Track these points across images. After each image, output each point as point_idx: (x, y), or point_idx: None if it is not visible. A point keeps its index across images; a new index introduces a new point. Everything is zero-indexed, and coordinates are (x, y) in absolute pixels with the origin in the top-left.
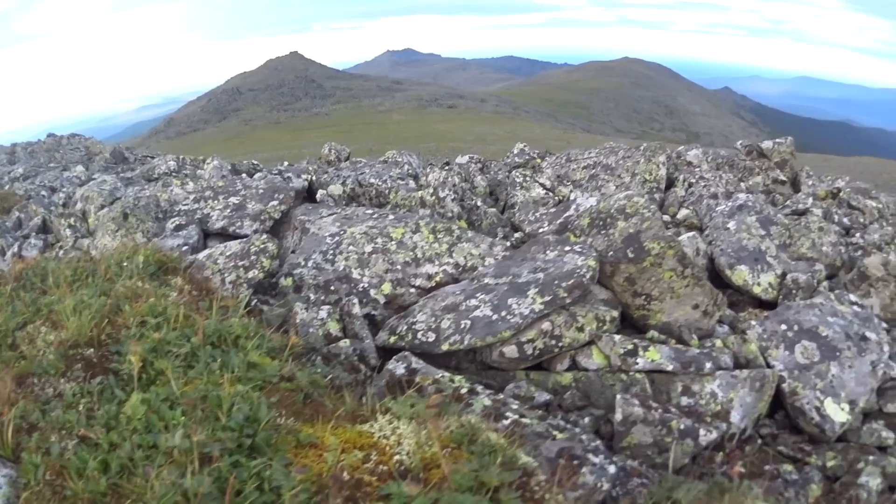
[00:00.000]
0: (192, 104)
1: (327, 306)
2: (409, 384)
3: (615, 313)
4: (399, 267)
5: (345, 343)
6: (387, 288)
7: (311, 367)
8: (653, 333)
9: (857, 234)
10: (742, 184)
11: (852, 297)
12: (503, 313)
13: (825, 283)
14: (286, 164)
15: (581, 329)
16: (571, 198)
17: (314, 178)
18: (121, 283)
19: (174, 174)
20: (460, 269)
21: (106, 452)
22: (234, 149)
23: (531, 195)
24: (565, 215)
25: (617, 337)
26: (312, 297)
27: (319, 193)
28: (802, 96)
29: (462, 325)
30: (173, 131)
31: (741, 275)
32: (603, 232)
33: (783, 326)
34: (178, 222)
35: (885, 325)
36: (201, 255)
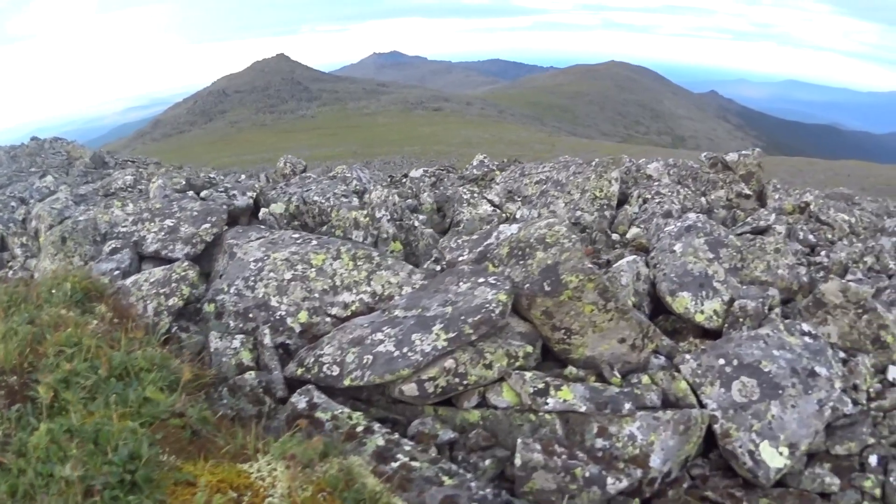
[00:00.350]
0: (179, 106)
1: (241, 335)
2: (309, 419)
3: (530, 348)
4: (317, 295)
5: (250, 375)
6: (303, 316)
7: (206, 402)
8: (570, 370)
9: (823, 253)
10: (703, 198)
11: (804, 327)
12: (405, 349)
13: (778, 310)
14: (243, 177)
15: (489, 366)
16: (503, 227)
17: (262, 194)
18: (46, 311)
19: (128, 189)
20: (377, 298)
21: (15, 477)
22: (219, 151)
23: (478, 212)
24: (486, 243)
25: (528, 375)
26: (232, 324)
27: (262, 212)
28: (789, 100)
29: (364, 360)
30: (159, 133)
31: (682, 302)
32: (521, 262)
33: (721, 361)
34: (114, 245)
35: (842, 354)
36: (128, 281)
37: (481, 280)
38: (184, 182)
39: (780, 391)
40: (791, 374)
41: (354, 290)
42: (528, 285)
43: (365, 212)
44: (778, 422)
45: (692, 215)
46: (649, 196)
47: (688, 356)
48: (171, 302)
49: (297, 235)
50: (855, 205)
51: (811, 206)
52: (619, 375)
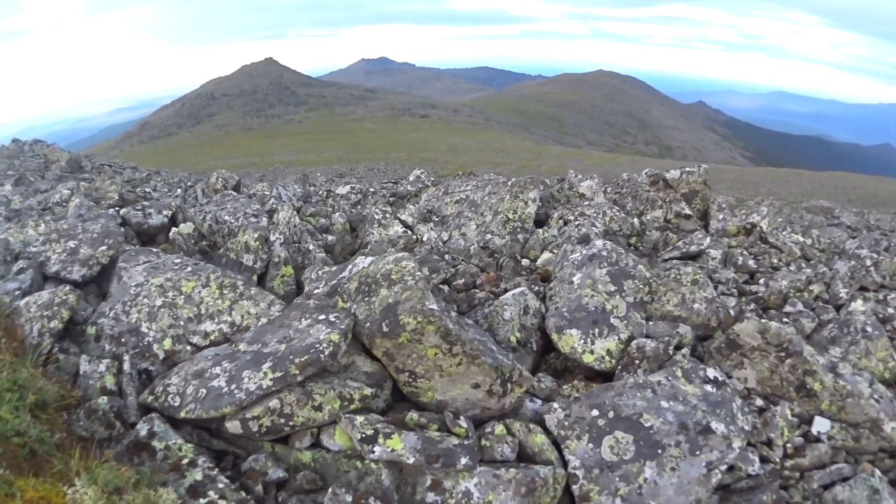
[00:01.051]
0: (167, 108)
1: (108, 360)
2: (146, 447)
3: (369, 391)
4: (182, 323)
5: (103, 399)
6: (167, 344)
7: (65, 423)
8: (411, 416)
9: (762, 281)
10: (636, 219)
11: (710, 373)
12: (233, 386)
13: (686, 350)
14: (178, 191)
15: (318, 408)
16: (358, 260)
17: (182, 212)
18: None
19: (63, 204)
20: (235, 328)
21: None
22: (206, 154)
23: (388, 234)
24: (339, 276)
25: (358, 419)
26: (107, 347)
27: (172, 232)
28: (777, 111)
29: (199, 394)
30: (147, 135)
31: (569, 340)
32: (367, 299)
33: (594, 412)
34: (21, 266)
35: (760, 402)
36: (22, 302)
37: (322, 317)
38: (116, 197)
39: (660, 450)
40: (678, 431)
41: (216, 320)
42: (368, 324)
43: (256, 235)
44: (650, 486)
45: (598, 242)
46: (572, 217)
47: (555, 405)
48: (52, 324)
49: (178, 261)
50: (834, 218)
51: (761, 227)
52: (464, 425)
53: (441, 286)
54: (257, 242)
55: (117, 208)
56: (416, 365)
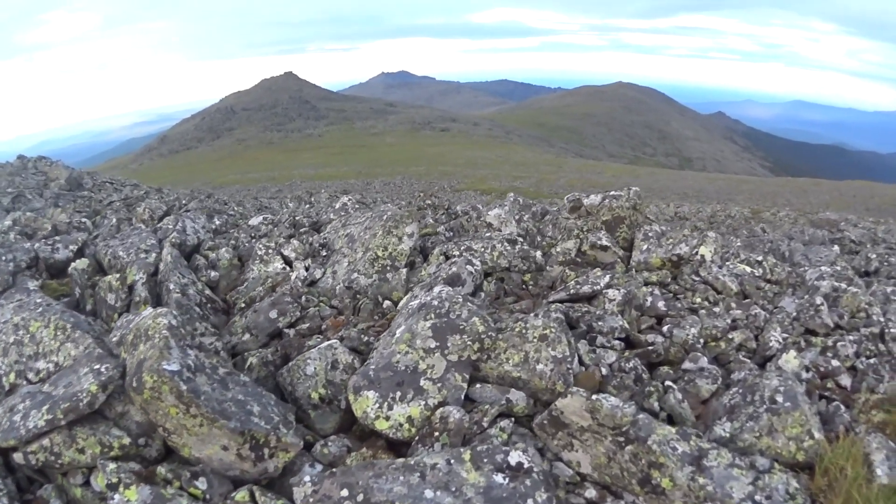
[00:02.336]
0: (186, 122)
1: None
2: None
3: (127, 440)
4: (24, 359)
5: None
6: (12, 377)
7: None
8: (160, 470)
9: (667, 328)
10: (538, 253)
11: (514, 457)
12: (23, 422)
13: (506, 423)
14: (115, 220)
15: (82, 451)
16: (147, 310)
17: (91, 245)
18: None
19: (4, 234)
20: (58, 367)
21: None
22: (225, 168)
23: (268, 270)
24: (129, 326)
25: (111, 466)
26: None
27: (70, 267)
28: (795, 120)
29: (4, 424)
30: (166, 149)
31: (364, 403)
32: (133, 352)
33: (344, 492)
34: None
35: (593, 492)
36: None
37: (96, 367)
38: (49, 228)
39: None
40: None
41: (47, 358)
42: (128, 378)
43: (118, 276)
44: None
45: (436, 289)
46: (456, 253)
47: (307, 478)
48: None
49: (40, 300)
50: (839, 231)
51: (702, 257)
52: (201, 486)
53: (287, 330)
54: (118, 282)
55: (35, 242)
56: (165, 421)
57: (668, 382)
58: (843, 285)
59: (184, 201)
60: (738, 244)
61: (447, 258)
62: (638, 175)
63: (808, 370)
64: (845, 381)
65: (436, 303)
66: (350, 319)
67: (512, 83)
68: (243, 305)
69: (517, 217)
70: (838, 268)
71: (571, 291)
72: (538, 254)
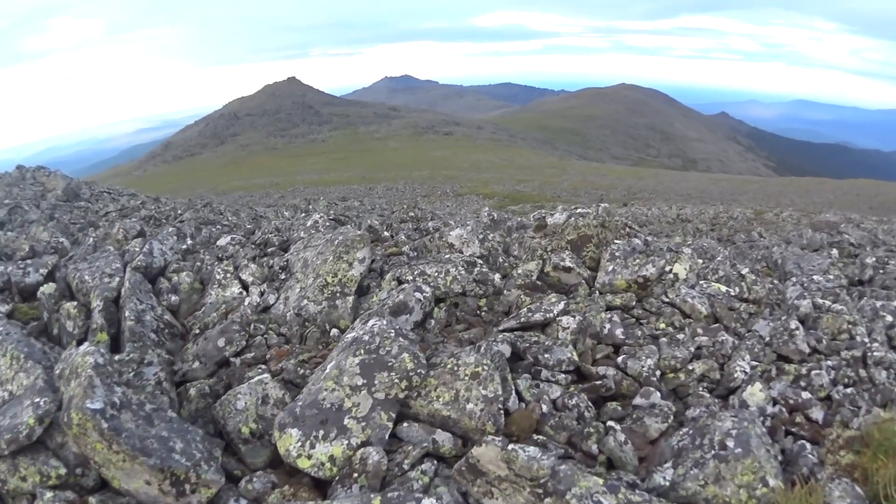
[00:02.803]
0: (190, 128)
1: None
2: None
3: (64, 470)
4: None
5: None
6: None
7: None
8: (90, 499)
9: (622, 359)
10: (497, 276)
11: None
12: None
13: (427, 466)
14: (92, 240)
15: (24, 479)
16: (84, 345)
17: (62, 268)
18: None
19: None
20: (12, 396)
21: None
22: (230, 174)
23: (225, 295)
24: (69, 359)
25: (48, 495)
26: None
27: (39, 291)
28: (798, 119)
29: None
30: (170, 155)
31: (287, 441)
32: (68, 387)
33: None
34: None
35: None
36: None
37: (36, 399)
38: (27, 249)
39: None
40: None
41: (3, 387)
42: (61, 412)
43: (75, 303)
44: None
45: (377, 323)
46: (410, 277)
47: None
48: None
49: (1, 328)
50: (839, 234)
51: (675, 275)
52: None
53: (233, 359)
54: (76, 310)
55: (9, 265)
56: (94, 455)
57: (610, 423)
58: (828, 302)
59: (179, 211)
60: (727, 253)
61: (400, 283)
62: (641, 177)
63: (775, 403)
64: (817, 414)
65: (366, 338)
66: (296, 349)
67: (515, 86)
68: (197, 332)
69: (481, 236)
70: (831, 276)
71: (522, 319)
72: (496, 277)
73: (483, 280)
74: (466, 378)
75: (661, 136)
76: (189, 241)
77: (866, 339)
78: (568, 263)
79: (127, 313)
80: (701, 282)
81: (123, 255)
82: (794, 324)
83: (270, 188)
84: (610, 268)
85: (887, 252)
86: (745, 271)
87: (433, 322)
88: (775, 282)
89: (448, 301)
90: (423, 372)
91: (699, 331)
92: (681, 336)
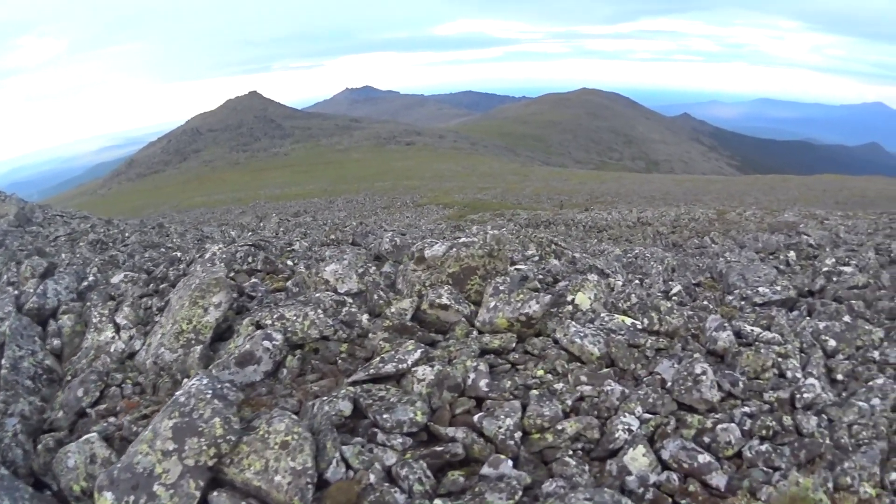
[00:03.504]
0: (153, 145)
1: None
2: None
3: None
4: None
5: None
6: None
7: None
8: None
9: (479, 417)
10: (365, 316)
11: None
12: None
13: None
14: (6, 277)
15: None
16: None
17: None
18: None
19: None
20: None
21: None
22: (193, 191)
23: (100, 339)
24: None
25: None
26: None
27: None
28: (762, 118)
29: None
30: (134, 173)
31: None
32: None
33: None
34: None
35: None
36: None
37: None
38: None
39: None
40: None
41: None
42: None
43: None
44: None
45: (195, 383)
46: (269, 322)
47: None
48: None
49: None
50: (798, 234)
51: (575, 305)
52: None
53: (90, 410)
54: None
55: None
56: None
57: (437, 502)
58: (758, 329)
59: (127, 234)
60: (660, 269)
61: (259, 328)
62: (604, 180)
63: (665, 468)
64: (718, 479)
65: (183, 399)
66: (144, 401)
67: (476, 94)
68: (69, 378)
69: (361, 270)
70: (778, 287)
71: (372, 371)
72: (365, 317)
73: (351, 322)
74: (276, 447)
75: (624, 140)
76: (91, 279)
77: (798, 375)
78: (444, 300)
79: (3, 360)
80: (603, 315)
81: (20, 297)
82: (699, 367)
83: (232, 204)
84: (492, 304)
85: (847, 252)
86: (660, 302)
87: (285, 372)
88: (715, 298)
89: (307, 347)
90: (234, 439)
91: (583, 378)
92: (559, 385)
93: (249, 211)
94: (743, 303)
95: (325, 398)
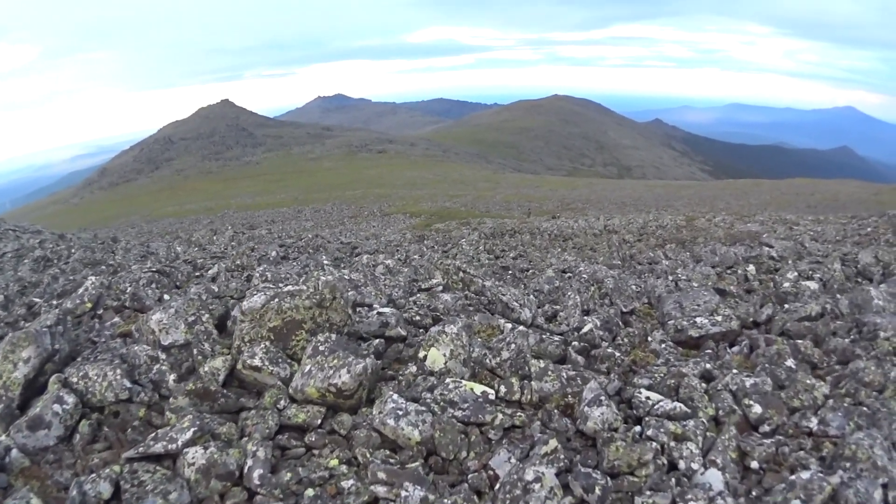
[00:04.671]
0: (126, 154)
1: None
2: None
3: None
4: None
5: None
6: None
7: None
8: None
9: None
10: (171, 376)
11: None
12: None
13: None
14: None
15: None
16: None
17: None
18: None
19: None
20: None
21: None
22: (165, 200)
23: None
24: None
25: None
26: None
27: None
28: (734, 122)
29: None
30: (106, 182)
31: None
32: None
33: None
34: None
35: None
36: None
37: None
38: None
39: None
40: None
41: None
42: None
43: None
44: None
45: None
46: (75, 380)
47: None
48: None
49: None
50: (761, 246)
51: (430, 366)
52: None
53: None
54: None
55: None
56: None
57: None
58: (654, 398)
59: (73, 250)
60: (577, 300)
61: (65, 386)
62: (575, 187)
63: None
64: None
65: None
66: None
67: (448, 101)
68: None
69: (192, 318)
70: (718, 318)
71: (141, 449)
72: (172, 378)
73: (159, 382)
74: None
75: (596, 146)
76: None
77: (695, 465)
78: (257, 361)
79: None
80: (448, 381)
81: None
82: (532, 473)
83: (202, 213)
84: (307, 367)
85: (812, 265)
86: (532, 360)
87: (78, 437)
88: (639, 334)
89: (107, 410)
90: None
91: (381, 475)
92: (349, 483)
93: (218, 221)
94: (663, 345)
95: (89, 477)
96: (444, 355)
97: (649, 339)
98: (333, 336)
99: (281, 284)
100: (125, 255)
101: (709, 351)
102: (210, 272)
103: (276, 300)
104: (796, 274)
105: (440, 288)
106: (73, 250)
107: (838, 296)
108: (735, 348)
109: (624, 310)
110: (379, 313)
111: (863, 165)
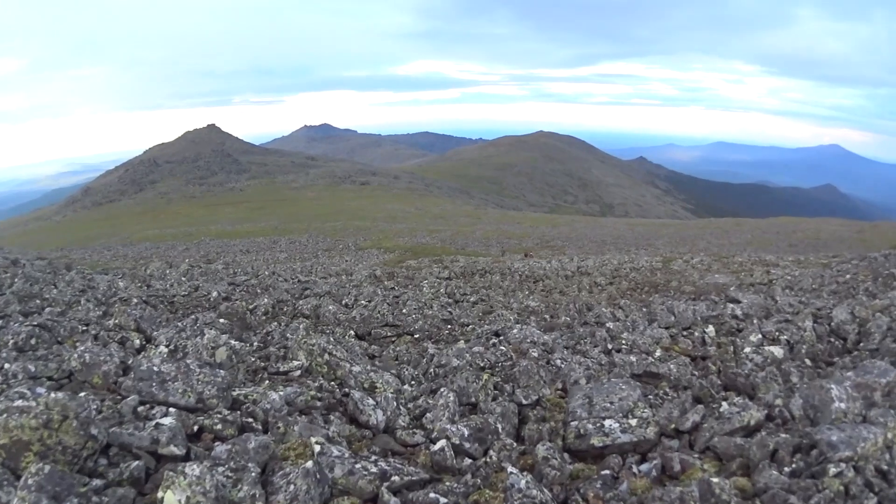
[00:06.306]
0: (110, 173)
1: None
2: None
3: None
4: None
5: None
6: None
7: None
8: None
9: None
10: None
11: None
12: None
13: None
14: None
15: None
16: None
17: None
18: None
19: None
20: None
21: None
22: (147, 222)
23: None
24: None
25: None
26: None
27: None
28: (718, 161)
29: None
30: (90, 201)
31: None
32: None
33: None
34: None
35: None
36: None
37: None
38: None
39: None
40: None
41: None
42: None
43: None
44: None
45: None
46: None
47: None
48: None
49: None
50: (725, 301)
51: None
52: None
53: None
54: None
55: None
56: None
57: None
58: None
59: (16, 279)
60: (452, 400)
61: None
62: (556, 224)
63: None
64: None
65: None
66: None
67: (433, 135)
68: None
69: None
70: (633, 422)
71: None
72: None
73: None
74: None
75: (579, 183)
76: None
77: None
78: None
79: None
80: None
81: None
82: None
83: (180, 239)
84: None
85: (779, 325)
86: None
87: None
88: (516, 450)
89: None
90: None
91: None
92: None
93: (193, 248)
94: (554, 461)
95: None
96: (179, 500)
97: (537, 449)
98: (47, 468)
99: (26, 390)
100: (68, 286)
101: (607, 471)
102: (111, 322)
103: (5, 416)
104: (760, 336)
105: (298, 373)
106: (15, 279)
107: (795, 388)
108: (644, 466)
109: (524, 402)
110: (157, 424)
111: (846, 203)
